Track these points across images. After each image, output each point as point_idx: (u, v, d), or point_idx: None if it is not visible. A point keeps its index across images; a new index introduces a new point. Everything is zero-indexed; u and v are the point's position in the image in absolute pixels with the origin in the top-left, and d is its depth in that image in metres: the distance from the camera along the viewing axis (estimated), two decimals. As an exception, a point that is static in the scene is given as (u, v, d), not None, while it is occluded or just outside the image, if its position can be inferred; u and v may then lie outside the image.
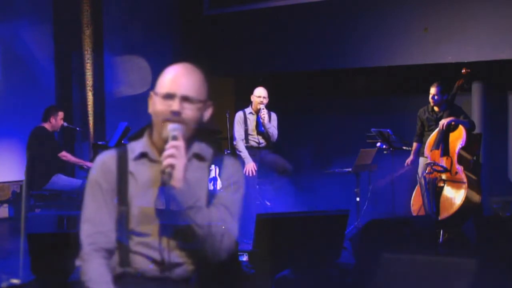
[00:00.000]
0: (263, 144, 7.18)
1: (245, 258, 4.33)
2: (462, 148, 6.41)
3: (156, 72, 2.27)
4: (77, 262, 2.21)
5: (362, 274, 4.33)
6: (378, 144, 7.35)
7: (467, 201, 6.19)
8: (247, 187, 2.34)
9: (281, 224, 4.41)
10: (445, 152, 6.45)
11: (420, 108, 7.01)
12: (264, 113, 7.00)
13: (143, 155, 2.25)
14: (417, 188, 6.55)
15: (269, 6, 9.06)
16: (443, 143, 6.48)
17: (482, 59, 7.49)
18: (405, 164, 7.05)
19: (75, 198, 7.16)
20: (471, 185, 6.25)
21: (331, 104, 9.21)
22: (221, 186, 2.26)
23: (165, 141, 2.15)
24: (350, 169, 7.12)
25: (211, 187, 2.25)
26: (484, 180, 7.15)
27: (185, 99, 2.18)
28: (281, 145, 7.45)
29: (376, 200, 7.29)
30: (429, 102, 6.82)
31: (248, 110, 7.23)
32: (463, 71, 6.81)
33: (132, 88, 8.27)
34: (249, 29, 9.27)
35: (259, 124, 7.13)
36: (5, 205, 8.00)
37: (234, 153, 7.15)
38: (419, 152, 6.97)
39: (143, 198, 2.19)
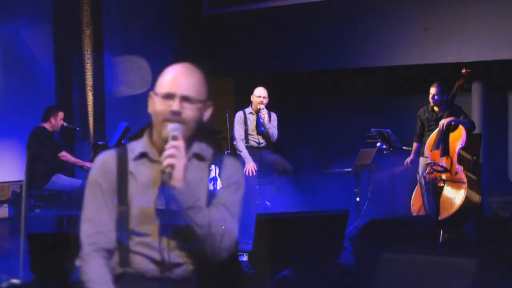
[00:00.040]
0: (263, 144, 7.18)
1: (245, 258, 4.33)
2: (462, 148, 6.41)
3: (156, 72, 2.27)
4: (77, 262, 2.21)
5: (362, 274, 4.33)
6: (378, 144, 7.35)
7: (467, 201, 6.19)
8: (247, 187, 2.34)
9: (281, 224, 4.41)
10: (445, 152, 6.45)
11: (420, 108, 7.01)
12: (264, 113, 7.00)
13: (143, 155, 2.25)
14: (417, 188, 6.55)
15: (269, 6, 9.06)
16: (443, 143, 6.48)
17: (482, 59, 7.49)
18: (405, 163, 7.05)
19: (75, 198, 7.17)
20: (471, 185, 6.25)
21: (331, 104, 9.21)
22: (221, 186, 2.26)
23: (165, 141, 2.15)
24: (350, 169, 7.12)
25: (211, 187, 2.25)
26: (484, 180, 7.15)
27: (185, 99, 2.18)
28: (281, 145, 7.45)
29: (376, 200, 7.29)
30: (429, 102, 6.82)
31: (248, 110, 7.23)
32: (463, 71, 6.81)
33: (132, 88, 8.27)
34: (249, 29, 9.27)
35: (259, 124, 7.13)
36: (5, 205, 8.00)
37: (234, 153, 7.15)
38: (419, 152, 6.97)
39: (143, 198, 2.19)
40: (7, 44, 7.94)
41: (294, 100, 9.30)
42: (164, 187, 2.14)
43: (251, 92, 7.21)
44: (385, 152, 7.35)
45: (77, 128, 8.11)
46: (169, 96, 2.18)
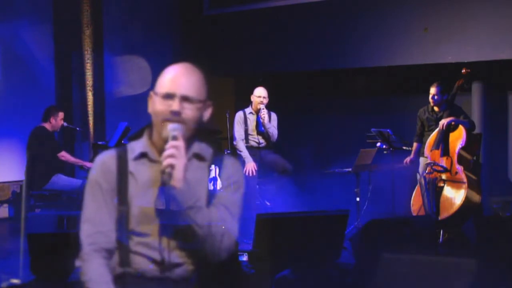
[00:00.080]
0: (263, 144, 7.18)
1: (245, 258, 4.33)
2: (462, 148, 6.41)
3: (156, 72, 2.27)
4: (77, 262, 2.21)
5: (362, 274, 4.32)
6: (378, 144, 7.35)
7: (467, 201, 6.19)
8: (247, 187, 2.34)
9: (281, 224, 4.41)
10: (445, 152, 6.45)
11: (420, 108, 7.01)
12: (264, 113, 7.01)
13: (143, 155, 2.24)
14: (417, 188, 6.55)
15: (269, 6, 9.06)
16: (443, 143, 6.48)
17: (482, 59, 7.49)
18: (404, 162, 7.05)
19: (75, 198, 7.17)
20: (471, 185, 6.25)
21: (331, 104, 9.21)
22: (221, 186, 2.26)
23: (165, 141, 2.14)
24: (350, 169, 7.11)
25: (211, 187, 2.25)
26: (484, 180, 7.15)
27: (185, 99, 2.17)
28: (281, 145, 7.45)
29: (376, 200, 7.29)
30: (429, 102, 6.82)
31: (248, 110, 7.23)
32: (463, 71, 6.81)
33: (132, 88, 8.27)
34: (249, 29, 9.27)
35: (259, 124, 7.13)
36: (5, 205, 8.00)
37: (234, 153, 7.15)
38: (419, 152, 6.97)
39: (143, 198, 2.19)
40: (7, 44, 7.94)
41: (294, 100, 9.30)
42: (164, 187, 2.13)
43: (251, 92, 7.21)
44: (385, 152, 7.34)
45: (77, 128, 8.11)
46: (169, 96, 2.17)
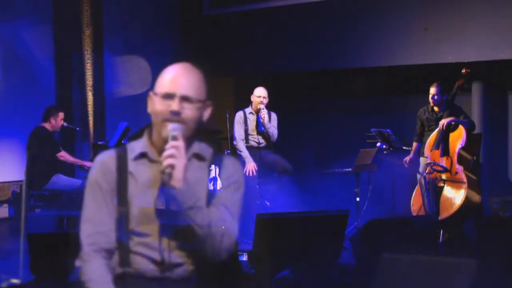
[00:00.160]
0: (263, 144, 7.18)
1: (245, 258, 4.33)
2: (462, 148, 6.41)
3: (156, 72, 2.27)
4: (77, 262, 2.21)
5: (362, 274, 4.32)
6: (378, 144, 7.35)
7: (467, 201, 6.19)
8: (247, 187, 2.34)
9: (281, 224, 4.41)
10: (445, 152, 6.45)
11: (420, 108, 7.01)
12: (264, 113, 7.01)
13: (143, 155, 2.24)
14: (417, 188, 6.55)
15: (269, 6, 9.06)
16: (443, 143, 6.48)
17: (482, 59, 7.49)
18: (404, 161, 7.05)
19: (75, 198, 7.16)
20: (471, 185, 6.25)
21: (331, 104, 9.21)
22: (221, 186, 2.26)
23: (165, 141, 2.14)
24: (350, 169, 7.12)
25: (211, 187, 2.25)
26: (484, 180, 7.15)
27: (184, 99, 2.17)
28: (281, 145, 7.45)
29: (376, 200, 7.29)
30: (429, 102, 6.82)
31: (248, 110, 7.23)
32: (463, 71, 6.81)
33: (132, 88, 8.27)
34: (249, 29, 9.27)
35: (259, 124, 7.13)
36: (5, 205, 8.00)
37: (234, 153, 7.15)
38: (419, 152, 6.97)
39: (143, 198, 2.19)
40: (7, 44, 7.94)
41: (294, 100, 9.30)
42: (164, 187, 2.13)
43: (251, 92, 7.21)
44: (385, 152, 7.35)
45: (77, 128, 8.11)
46: (168, 96, 2.17)
